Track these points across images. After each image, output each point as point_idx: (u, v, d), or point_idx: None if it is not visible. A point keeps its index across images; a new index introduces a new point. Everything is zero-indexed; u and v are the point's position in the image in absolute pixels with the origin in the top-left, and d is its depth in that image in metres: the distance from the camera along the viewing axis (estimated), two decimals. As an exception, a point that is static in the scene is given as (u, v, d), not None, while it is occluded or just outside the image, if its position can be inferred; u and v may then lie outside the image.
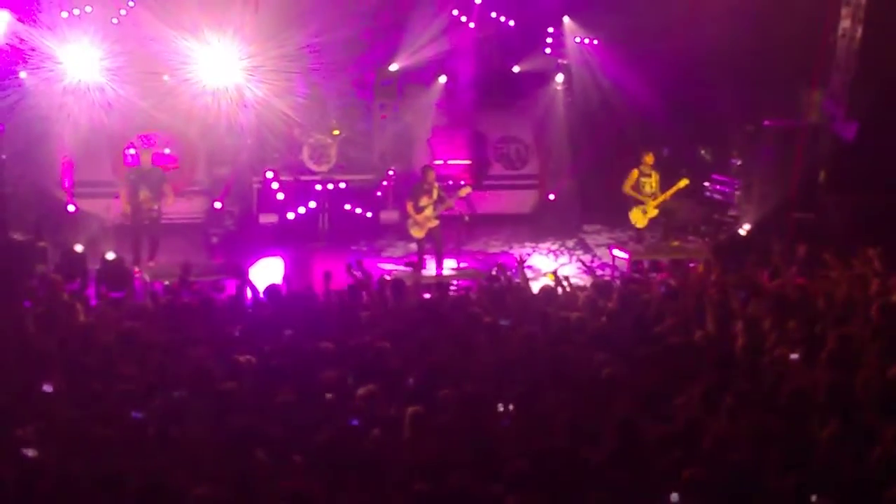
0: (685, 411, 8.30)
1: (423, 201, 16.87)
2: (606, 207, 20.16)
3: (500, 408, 8.89)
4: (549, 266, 17.26)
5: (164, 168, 18.27)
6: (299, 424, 8.19)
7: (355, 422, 8.28)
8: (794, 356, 9.58)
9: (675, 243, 17.96)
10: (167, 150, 19.93)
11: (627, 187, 17.59)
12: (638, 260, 16.86)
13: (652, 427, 8.06)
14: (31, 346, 10.03)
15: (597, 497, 7.08)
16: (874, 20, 16.06)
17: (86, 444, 7.75)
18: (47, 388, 8.79)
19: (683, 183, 17.57)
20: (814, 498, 7.14)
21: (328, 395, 8.82)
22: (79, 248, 15.71)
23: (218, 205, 19.29)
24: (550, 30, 21.23)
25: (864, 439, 7.72)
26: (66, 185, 18.88)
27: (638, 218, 17.67)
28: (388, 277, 13.09)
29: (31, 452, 7.65)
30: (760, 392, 8.72)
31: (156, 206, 16.72)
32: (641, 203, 17.54)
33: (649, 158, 17.57)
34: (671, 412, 8.43)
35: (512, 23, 20.86)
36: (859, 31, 16.23)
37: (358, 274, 12.59)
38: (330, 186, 19.90)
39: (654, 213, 17.64)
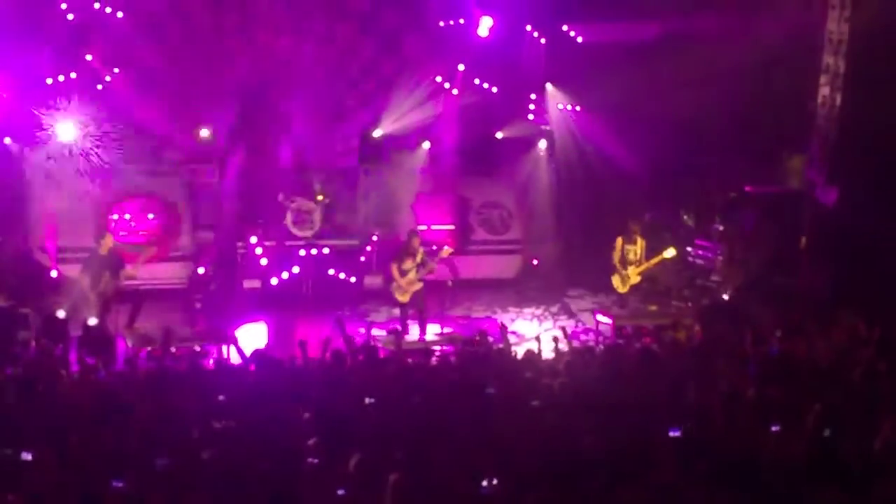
0: (664, 480, 8.25)
1: (407, 265, 16.90)
2: (590, 272, 20.19)
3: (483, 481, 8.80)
4: (532, 331, 17.25)
5: (147, 235, 18.36)
6: (281, 492, 8.12)
7: (341, 491, 8.22)
8: (774, 429, 9.50)
9: (653, 307, 18.02)
10: (151, 216, 19.96)
11: (616, 259, 17.67)
12: (622, 325, 16.86)
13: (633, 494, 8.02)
14: (11, 413, 9.94)
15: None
16: (853, 88, 16.22)
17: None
18: (26, 456, 8.69)
19: (669, 254, 17.66)
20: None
21: (312, 461, 8.75)
22: (61, 313, 15.64)
23: (201, 270, 19.25)
24: (533, 96, 21.41)
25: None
26: (50, 250, 18.86)
27: (619, 284, 17.74)
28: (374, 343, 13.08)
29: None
30: (740, 462, 8.67)
31: (117, 285, 16.16)
32: (624, 270, 17.62)
33: (635, 229, 17.66)
34: (650, 482, 8.37)
35: (495, 89, 21.02)
36: (838, 98, 16.39)
37: (342, 338, 12.59)
38: (314, 251, 19.91)
39: (636, 279, 17.70)
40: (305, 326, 17.11)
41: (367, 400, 10.49)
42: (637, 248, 17.68)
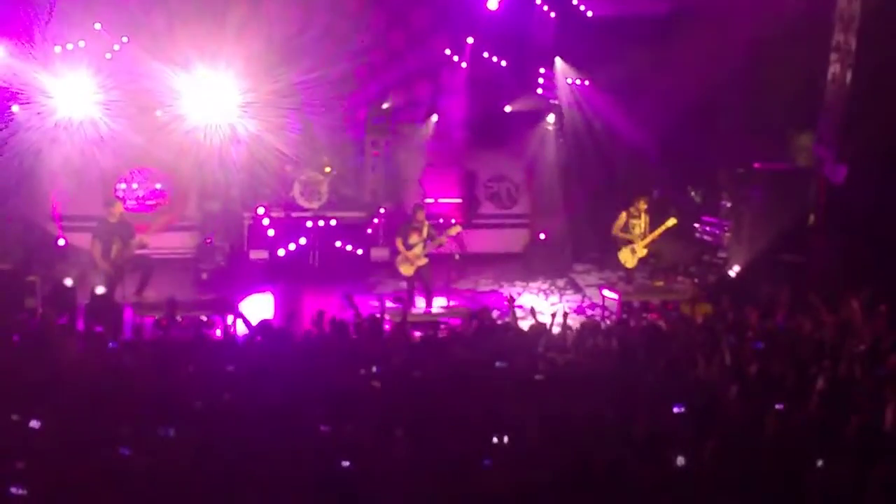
0: (674, 455, 8.26)
1: (413, 239, 16.89)
2: (597, 247, 20.24)
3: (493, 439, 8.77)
4: (539, 305, 17.23)
5: (154, 205, 18.37)
6: (287, 462, 8.15)
7: (345, 462, 8.23)
8: (779, 406, 9.50)
9: (659, 283, 18.01)
10: (158, 186, 19.98)
11: (616, 229, 17.66)
12: (628, 301, 16.87)
13: (640, 470, 8.03)
14: (18, 380, 9.97)
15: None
16: (863, 65, 16.15)
17: (74, 481, 7.70)
18: (34, 424, 8.72)
19: (671, 222, 17.61)
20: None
21: (320, 429, 8.77)
22: (68, 282, 15.66)
23: (208, 240, 19.27)
24: (542, 70, 21.33)
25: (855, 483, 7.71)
26: (57, 218, 18.88)
27: (627, 258, 17.72)
28: (377, 315, 13.09)
29: (18, 490, 7.59)
30: (747, 436, 8.69)
31: (128, 253, 16.09)
32: (630, 243, 17.59)
33: (642, 203, 17.63)
34: (660, 456, 8.39)
35: (504, 63, 20.95)
36: (849, 75, 16.31)
37: (351, 310, 12.61)
38: (321, 223, 19.91)
39: (643, 253, 17.69)
40: (312, 298, 17.13)
41: (373, 369, 10.52)
42: (642, 223, 17.66)
